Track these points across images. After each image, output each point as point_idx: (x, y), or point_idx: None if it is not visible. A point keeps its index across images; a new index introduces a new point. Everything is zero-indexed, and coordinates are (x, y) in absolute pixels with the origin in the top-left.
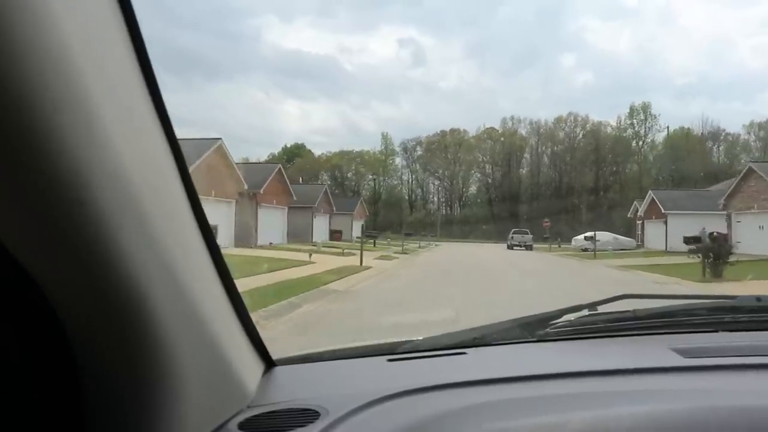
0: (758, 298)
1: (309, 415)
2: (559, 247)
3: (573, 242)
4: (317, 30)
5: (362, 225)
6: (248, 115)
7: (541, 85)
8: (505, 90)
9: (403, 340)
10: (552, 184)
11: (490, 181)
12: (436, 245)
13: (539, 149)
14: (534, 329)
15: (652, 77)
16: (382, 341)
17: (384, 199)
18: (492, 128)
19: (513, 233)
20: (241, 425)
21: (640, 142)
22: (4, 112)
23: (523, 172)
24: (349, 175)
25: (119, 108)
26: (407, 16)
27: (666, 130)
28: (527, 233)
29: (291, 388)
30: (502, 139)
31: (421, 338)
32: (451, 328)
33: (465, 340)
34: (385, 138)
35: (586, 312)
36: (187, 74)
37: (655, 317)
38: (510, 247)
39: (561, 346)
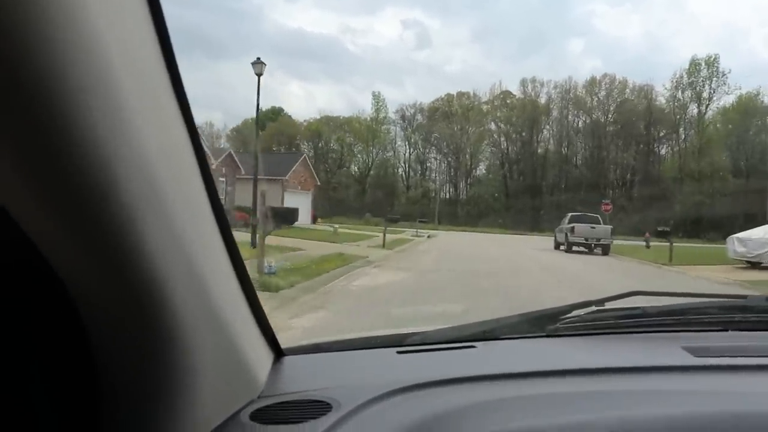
0: None
1: (321, 407)
2: (670, 252)
3: (730, 244)
4: (321, 10)
5: (312, 200)
6: (252, 95)
7: (547, 70)
8: (511, 75)
9: (412, 331)
10: (588, 161)
11: (505, 154)
12: (428, 237)
13: (568, 117)
14: (544, 324)
15: (660, 64)
16: (391, 332)
17: (373, 174)
18: (508, 92)
19: (571, 220)
20: (252, 415)
21: (703, 107)
22: (33, 95)
23: (549, 145)
24: (333, 145)
25: (145, 98)
26: None
27: (738, 91)
28: (599, 221)
29: (301, 379)
30: (520, 105)
31: (430, 330)
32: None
33: (474, 333)
34: (376, 98)
35: (594, 308)
36: (188, 52)
37: (665, 315)
38: (563, 247)
39: (571, 341)
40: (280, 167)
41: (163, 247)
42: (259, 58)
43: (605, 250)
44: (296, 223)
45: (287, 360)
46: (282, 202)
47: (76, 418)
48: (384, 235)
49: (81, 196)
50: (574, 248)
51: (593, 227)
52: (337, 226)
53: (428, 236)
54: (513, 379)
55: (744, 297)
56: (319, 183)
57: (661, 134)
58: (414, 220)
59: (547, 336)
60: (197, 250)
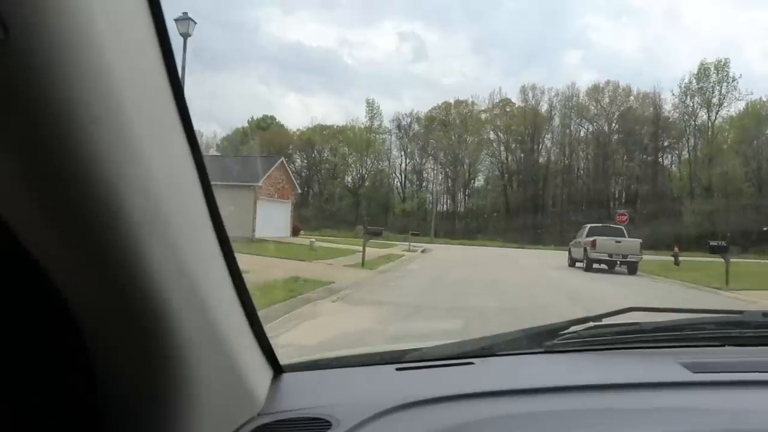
0: (765, 314)
1: (320, 424)
2: (727, 273)
3: None
4: (318, 23)
5: (291, 211)
6: (250, 108)
7: (545, 83)
8: (509, 87)
9: (410, 348)
10: (592, 171)
11: (504, 164)
12: (422, 251)
13: (570, 126)
14: (542, 340)
15: (657, 78)
16: (389, 348)
17: (368, 186)
18: (507, 99)
19: (590, 233)
20: None
21: (713, 114)
22: (43, 117)
23: (551, 154)
24: (326, 155)
25: (150, 119)
26: (409, 10)
27: (750, 97)
28: (623, 233)
29: (300, 396)
30: (521, 113)
31: (428, 346)
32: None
33: (473, 350)
34: (370, 106)
35: (592, 324)
36: (185, 63)
37: (662, 331)
38: (579, 264)
39: (569, 357)
40: (253, 172)
41: (164, 265)
42: (185, 13)
43: (632, 269)
44: (272, 236)
45: (286, 377)
46: (254, 213)
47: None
48: (363, 251)
49: (82, 211)
50: (594, 266)
51: (618, 241)
52: (314, 239)
53: (422, 251)
54: (511, 396)
55: (740, 312)
56: (299, 191)
57: (665, 144)
58: (409, 233)
59: (546, 352)
60: (199, 268)
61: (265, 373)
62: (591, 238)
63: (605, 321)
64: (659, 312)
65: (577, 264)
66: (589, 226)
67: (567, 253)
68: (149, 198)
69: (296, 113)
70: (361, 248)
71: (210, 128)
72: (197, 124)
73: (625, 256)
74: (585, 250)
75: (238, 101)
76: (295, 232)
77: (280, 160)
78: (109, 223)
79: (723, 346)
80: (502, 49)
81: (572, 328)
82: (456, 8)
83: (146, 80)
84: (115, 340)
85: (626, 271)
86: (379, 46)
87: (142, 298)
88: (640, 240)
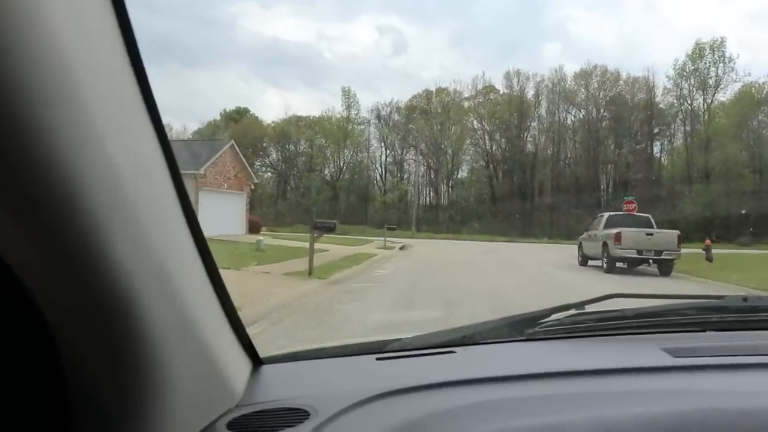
0: (744, 298)
1: (298, 414)
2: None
3: None
4: (296, 17)
5: (246, 204)
6: (229, 104)
7: (530, 69)
8: (492, 76)
9: (392, 338)
10: (581, 159)
11: (489, 153)
12: (401, 248)
13: (558, 111)
14: (523, 328)
15: (636, 69)
16: (370, 339)
17: (345, 178)
18: (491, 86)
19: (610, 223)
20: (230, 425)
21: (708, 98)
22: None
23: (539, 142)
24: (302, 147)
25: (111, 103)
26: (387, 3)
27: (747, 78)
28: (651, 223)
29: (279, 387)
30: (506, 100)
31: (409, 337)
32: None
33: (453, 339)
34: (346, 94)
35: (574, 311)
36: (161, 60)
37: (644, 317)
38: (594, 262)
39: (550, 345)
40: (194, 158)
41: (133, 254)
42: None
43: (666, 269)
44: (220, 235)
45: (265, 369)
46: (196, 206)
47: (46, 427)
48: (311, 253)
49: (44, 203)
50: (617, 263)
51: (650, 234)
52: (263, 238)
53: (401, 247)
54: (493, 383)
55: (721, 297)
56: (256, 181)
57: (656, 130)
58: (397, 227)
59: (528, 340)
60: (169, 258)
61: (243, 365)
62: (613, 230)
63: (587, 308)
64: (641, 298)
65: (591, 262)
66: (607, 214)
67: (576, 248)
68: (112, 186)
69: (273, 107)
70: (326, 246)
71: (180, 122)
72: (170, 120)
73: (658, 253)
74: (605, 245)
75: (217, 98)
76: (253, 228)
77: (230, 143)
78: (71, 212)
79: (704, 331)
80: (481, 41)
81: (554, 316)
82: (434, 1)
83: (105, 62)
84: (84, 333)
85: (656, 271)
86: (358, 41)
87: (109, 290)
88: (678, 232)
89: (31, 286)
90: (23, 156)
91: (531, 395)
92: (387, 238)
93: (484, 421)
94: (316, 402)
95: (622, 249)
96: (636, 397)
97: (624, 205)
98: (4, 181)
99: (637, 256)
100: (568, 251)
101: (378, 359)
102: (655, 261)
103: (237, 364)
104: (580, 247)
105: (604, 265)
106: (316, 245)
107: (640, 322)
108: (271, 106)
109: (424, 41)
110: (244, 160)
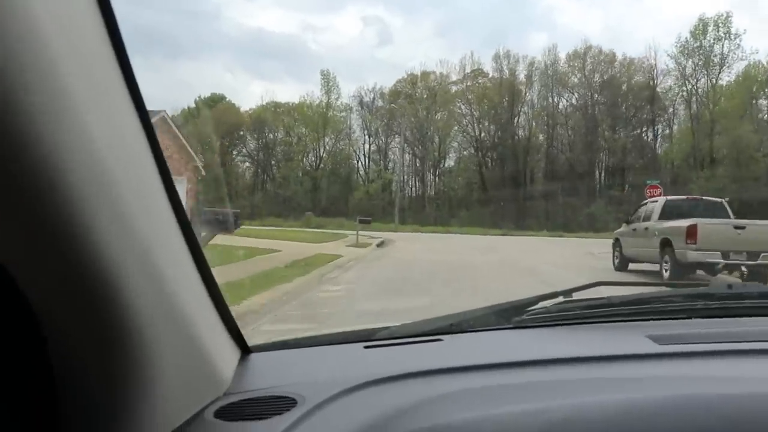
0: (729, 286)
1: (286, 402)
2: None
3: None
4: (281, 8)
5: (186, 193)
6: (203, 87)
7: (519, 51)
8: (480, 59)
9: (380, 326)
10: (577, 145)
11: (479, 139)
12: (378, 245)
13: (551, 94)
14: (510, 316)
15: (631, 52)
16: (358, 328)
17: (325, 168)
18: (480, 70)
19: (671, 211)
20: (217, 413)
21: (714, 76)
22: None
23: (532, 127)
24: (279, 135)
25: (93, 89)
26: None
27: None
28: (726, 211)
29: (267, 376)
30: (495, 84)
31: (397, 325)
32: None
33: (441, 327)
34: (326, 78)
35: (561, 299)
36: (146, 52)
37: (630, 304)
38: (636, 265)
39: (537, 332)
40: None
41: (118, 242)
42: None
43: (764, 278)
44: None
45: (254, 357)
46: None
47: (32, 417)
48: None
49: (29, 192)
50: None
51: (739, 228)
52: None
53: (379, 244)
54: (480, 371)
55: (706, 284)
56: (199, 164)
57: (654, 115)
58: (380, 219)
59: (515, 328)
60: (154, 244)
61: (231, 354)
62: (683, 223)
63: (575, 296)
64: (627, 286)
65: (630, 265)
66: (663, 199)
67: (607, 244)
68: (96, 171)
69: (255, 98)
70: (283, 244)
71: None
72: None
73: (753, 256)
74: (667, 244)
75: (201, 89)
76: None
77: (159, 115)
78: (57, 201)
79: (689, 318)
80: (466, 32)
81: (541, 304)
82: None
83: (87, 47)
84: (70, 319)
85: (737, 277)
86: (343, 31)
87: (95, 279)
88: None
89: (16, 275)
90: (7, 144)
91: (517, 382)
92: (365, 233)
93: (471, 408)
94: (304, 390)
95: (699, 251)
96: (619, 384)
97: (647, 190)
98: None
99: (722, 260)
100: (578, 247)
101: (366, 347)
102: (747, 268)
103: (225, 353)
104: (616, 244)
105: (665, 273)
106: (268, 244)
107: (626, 309)
108: (254, 97)
109: (410, 32)
110: (182, 138)
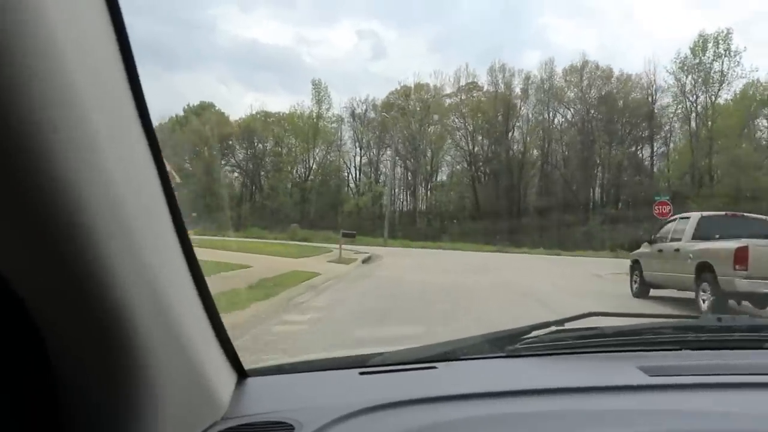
0: (719, 318)
1: (284, 428)
2: None
3: None
4: (276, 21)
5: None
6: (189, 96)
7: (514, 64)
8: (474, 71)
9: (374, 352)
10: (572, 161)
11: (472, 153)
12: (364, 261)
13: (547, 110)
14: (504, 344)
15: (627, 69)
16: (353, 353)
17: (315, 180)
18: (474, 83)
19: (707, 227)
20: None
21: (712, 95)
22: None
23: (527, 141)
24: (269, 145)
25: (106, 109)
26: (368, 8)
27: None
28: None
29: (264, 400)
30: (490, 97)
31: (391, 351)
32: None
33: (435, 354)
34: (317, 87)
35: (554, 328)
36: (141, 63)
37: (622, 335)
38: (673, 293)
39: (530, 362)
40: None
41: (125, 264)
42: None
43: None
44: None
45: (250, 381)
46: None
47: (32, 423)
48: None
49: (43, 212)
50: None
51: None
52: None
53: (365, 260)
54: (474, 399)
55: (696, 317)
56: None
57: (648, 133)
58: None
59: (508, 356)
60: (158, 269)
61: (229, 377)
62: (729, 245)
63: (567, 326)
64: (619, 317)
65: (652, 291)
66: (696, 215)
67: (629, 268)
68: (107, 192)
69: (246, 108)
70: (257, 258)
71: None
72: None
73: None
74: (706, 269)
75: (195, 101)
76: None
77: None
78: (66, 218)
79: (680, 350)
80: (461, 48)
81: (534, 333)
82: (415, 7)
83: (101, 68)
84: (75, 342)
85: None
86: (338, 45)
87: (101, 299)
88: None
89: (23, 294)
90: (21, 158)
91: (509, 412)
92: (352, 247)
93: None
94: (301, 415)
95: (750, 279)
96: (611, 415)
97: (656, 207)
98: (5, 186)
99: None
100: (580, 266)
101: (361, 373)
102: None
103: (223, 377)
104: (635, 267)
105: (703, 304)
106: (238, 259)
107: (617, 340)
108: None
109: (404, 46)
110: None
